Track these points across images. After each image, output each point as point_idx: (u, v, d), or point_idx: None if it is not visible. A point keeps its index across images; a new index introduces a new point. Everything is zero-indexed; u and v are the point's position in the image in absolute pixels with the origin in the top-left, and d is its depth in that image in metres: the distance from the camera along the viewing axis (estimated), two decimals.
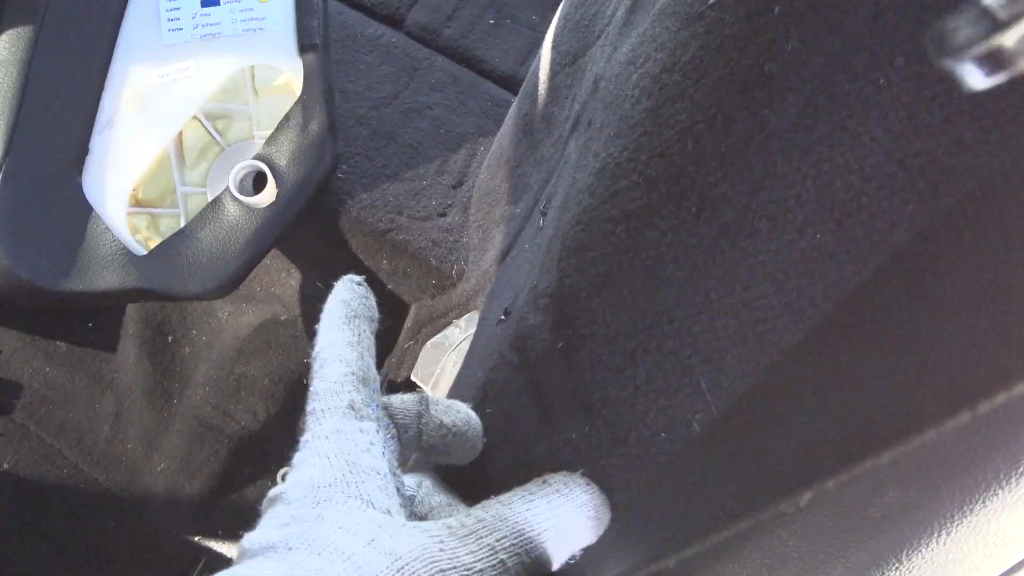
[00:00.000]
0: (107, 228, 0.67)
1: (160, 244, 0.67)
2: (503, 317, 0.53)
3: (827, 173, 0.33)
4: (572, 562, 0.40)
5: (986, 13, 0.22)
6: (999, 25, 0.22)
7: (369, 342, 0.41)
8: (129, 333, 0.88)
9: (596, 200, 0.42)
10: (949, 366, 0.30)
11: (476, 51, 0.88)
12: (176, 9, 0.73)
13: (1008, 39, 0.22)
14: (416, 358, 0.73)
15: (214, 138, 0.71)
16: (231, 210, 0.67)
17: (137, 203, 0.70)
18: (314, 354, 0.40)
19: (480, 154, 0.78)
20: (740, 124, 0.35)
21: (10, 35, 0.68)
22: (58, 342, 0.90)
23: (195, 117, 0.70)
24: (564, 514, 0.37)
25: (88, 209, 0.68)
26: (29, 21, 0.68)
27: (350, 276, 0.46)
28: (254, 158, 0.69)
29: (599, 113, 0.47)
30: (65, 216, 0.67)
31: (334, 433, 0.35)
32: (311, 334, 0.85)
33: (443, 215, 0.74)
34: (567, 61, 0.61)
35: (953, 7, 0.26)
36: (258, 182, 0.70)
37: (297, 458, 0.35)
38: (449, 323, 0.72)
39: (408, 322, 0.75)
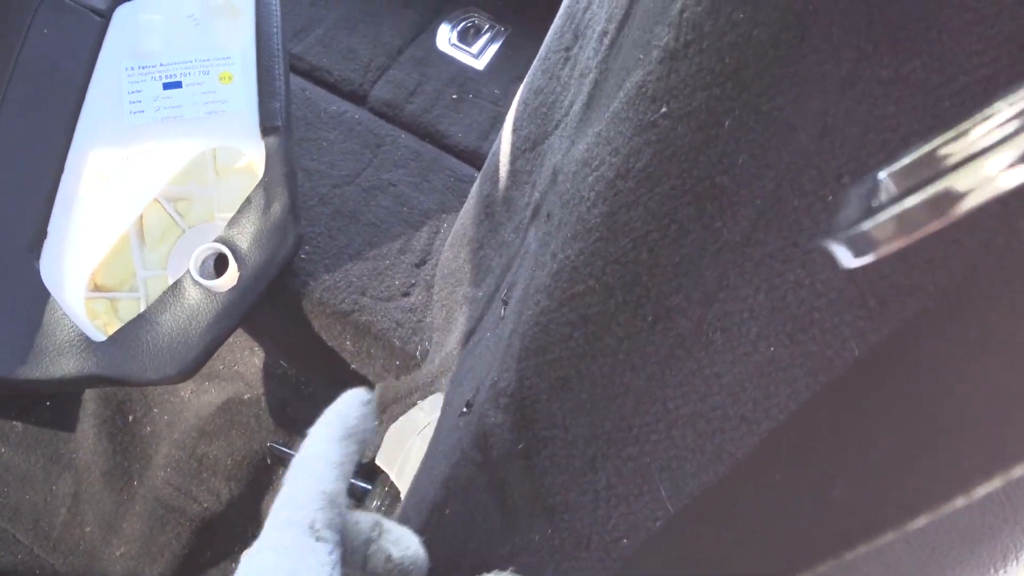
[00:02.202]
0: (65, 314, 0.66)
1: (119, 330, 0.66)
2: (465, 410, 0.53)
3: (779, 288, 0.34)
4: None
5: (868, 196, 0.23)
6: (871, 211, 0.23)
7: (353, 464, 0.40)
8: (88, 412, 0.87)
9: (554, 302, 0.42)
10: (889, 484, 0.30)
11: (439, 126, 0.88)
12: (138, 92, 0.73)
13: (874, 224, 0.22)
14: (380, 439, 0.73)
15: (175, 220, 0.70)
16: (192, 294, 0.66)
17: (96, 287, 0.69)
18: (296, 457, 0.39)
19: (443, 231, 0.78)
20: (693, 235, 0.36)
21: None
22: (14, 421, 0.88)
23: (156, 199, 0.70)
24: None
25: (45, 294, 0.67)
26: None
27: (360, 392, 0.44)
28: (215, 241, 0.69)
29: (557, 208, 0.48)
30: (21, 301, 0.66)
31: (286, 548, 0.35)
32: (274, 413, 0.84)
33: (406, 295, 0.74)
34: (527, 147, 0.62)
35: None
36: (219, 264, 0.70)
37: (245, 564, 0.35)
38: (414, 404, 0.71)
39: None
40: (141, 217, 0.69)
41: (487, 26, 1.01)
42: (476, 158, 0.87)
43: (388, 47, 0.94)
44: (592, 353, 0.39)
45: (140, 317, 0.67)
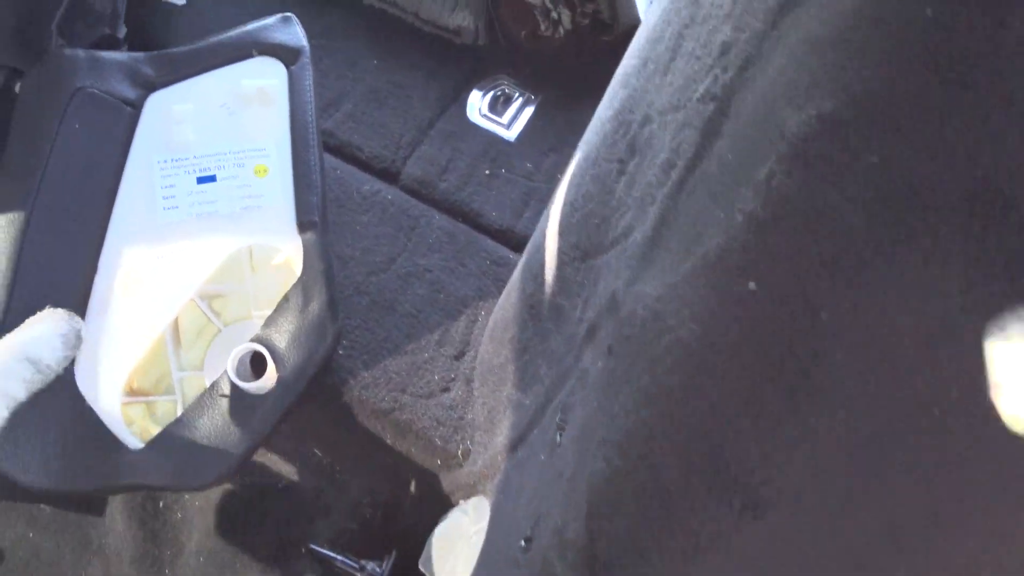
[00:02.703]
0: (100, 422, 0.64)
1: (156, 437, 0.65)
2: (524, 543, 0.51)
3: (876, 488, 0.33)
4: None
5: None
6: None
7: None
8: (117, 497, 0.85)
9: (628, 464, 0.41)
10: None
11: (473, 204, 0.87)
12: (172, 187, 0.71)
13: None
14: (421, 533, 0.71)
15: (210, 319, 0.69)
16: (231, 396, 0.65)
17: (132, 391, 0.67)
18: None
19: (481, 319, 0.77)
20: (785, 425, 0.34)
21: (1, 220, 0.67)
22: (42, 506, 0.86)
23: (192, 299, 0.68)
24: (41, 327, 0.54)
25: (81, 401, 0.65)
26: (21, 206, 0.67)
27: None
28: (253, 340, 0.67)
29: (623, 348, 0.46)
30: (56, 409, 0.64)
31: None
32: (309, 502, 0.83)
33: (446, 390, 0.73)
34: (576, 255, 0.60)
35: None
36: (257, 363, 0.68)
37: None
38: (455, 503, 0.70)
39: (412, 493, 0.73)
40: (176, 317, 0.68)
41: (517, 94, 1.00)
42: (511, 238, 0.86)
43: (419, 120, 0.93)
44: (672, 530, 0.38)
45: (177, 422, 0.65)
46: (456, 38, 1.03)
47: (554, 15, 1.04)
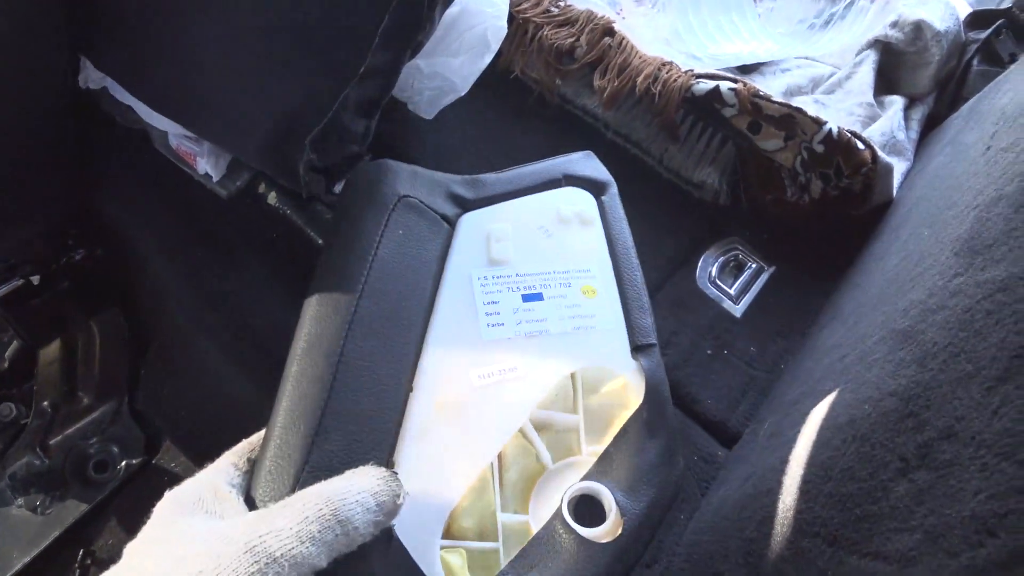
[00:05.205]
0: (416, 566, 0.53)
1: None
2: None
3: None
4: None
5: None
6: None
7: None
8: None
9: None
10: None
11: (690, 388, 0.82)
12: (495, 303, 0.65)
13: None
14: None
15: (539, 454, 0.59)
16: (567, 544, 0.54)
17: (450, 535, 0.55)
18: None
19: (679, 526, 0.72)
20: None
21: (321, 340, 0.58)
22: None
23: (521, 429, 0.59)
24: (357, 483, 0.44)
25: (391, 539, 0.52)
26: (346, 311, 0.58)
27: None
28: (588, 479, 0.58)
29: None
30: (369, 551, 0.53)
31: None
32: None
33: None
34: (820, 534, 0.55)
35: None
36: (589, 508, 0.57)
37: None
38: None
39: None
40: (501, 450, 0.58)
41: (749, 263, 0.95)
42: (723, 432, 0.80)
43: (648, 280, 0.88)
44: None
45: (505, 573, 0.54)
46: (696, 192, 0.99)
47: (802, 180, 0.98)
